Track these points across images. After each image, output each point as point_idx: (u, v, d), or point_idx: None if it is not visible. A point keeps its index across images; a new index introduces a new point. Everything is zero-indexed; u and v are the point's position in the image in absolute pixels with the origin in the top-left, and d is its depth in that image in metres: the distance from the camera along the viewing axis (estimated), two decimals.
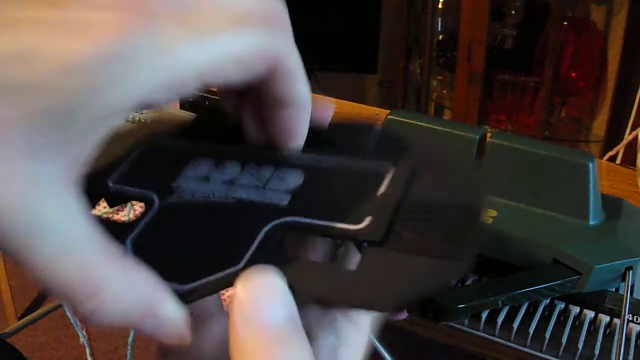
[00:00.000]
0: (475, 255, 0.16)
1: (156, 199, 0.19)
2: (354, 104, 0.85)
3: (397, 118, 0.50)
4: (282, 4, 0.19)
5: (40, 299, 1.60)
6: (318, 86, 1.99)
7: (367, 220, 0.18)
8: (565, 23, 1.59)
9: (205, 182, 0.20)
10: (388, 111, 0.52)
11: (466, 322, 0.41)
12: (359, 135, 0.20)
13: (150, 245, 0.18)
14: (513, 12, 1.68)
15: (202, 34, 0.16)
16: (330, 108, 0.22)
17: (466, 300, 0.38)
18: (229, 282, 0.17)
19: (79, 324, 0.56)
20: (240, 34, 0.17)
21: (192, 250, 0.18)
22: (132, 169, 0.17)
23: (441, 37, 1.84)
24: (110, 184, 0.20)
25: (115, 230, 0.18)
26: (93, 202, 0.21)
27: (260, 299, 0.17)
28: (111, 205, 0.21)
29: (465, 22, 1.59)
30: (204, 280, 0.17)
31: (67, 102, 0.14)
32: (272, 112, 0.20)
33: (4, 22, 0.14)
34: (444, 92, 1.89)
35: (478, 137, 0.47)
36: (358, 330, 0.20)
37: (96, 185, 0.19)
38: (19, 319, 1.48)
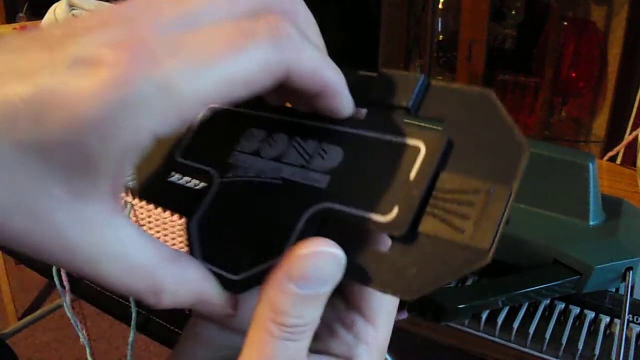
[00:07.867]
0: (495, 247, 0.17)
1: (216, 175, 0.22)
2: None
3: None
4: None
5: (41, 299, 1.60)
6: None
7: (395, 211, 0.18)
8: (565, 23, 1.59)
9: (256, 157, 0.22)
10: None
11: (466, 322, 0.41)
12: (402, 90, 0.20)
13: (211, 228, 0.21)
14: (513, 12, 1.68)
15: (202, 64, 0.16)
16: None
17: (466, 300, 0.38)
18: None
19: (78, 324, 0.56)
20: (241, 56, 0.16)
21: (243, 236, 0.21)
22: (195, 141, 0.19)
23: (441, 37, 1.83)
24: (178, 159, 0.23)
25: (187, 200, 0.22)
26: (167, 172, 0.24)
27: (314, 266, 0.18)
28: (183, 175, 0.24)
29: (465, 22, 1.59)
30: (251, 272, 0.20)
31: (86, 155, 0.15)
32: (305, 99, 0.20)
33: (11, 71, 0.15)
34: None
35: None
36: (376, 331, 0.21)
37: (167, 160, 0.23)
38: (19, 319, 1.48)
